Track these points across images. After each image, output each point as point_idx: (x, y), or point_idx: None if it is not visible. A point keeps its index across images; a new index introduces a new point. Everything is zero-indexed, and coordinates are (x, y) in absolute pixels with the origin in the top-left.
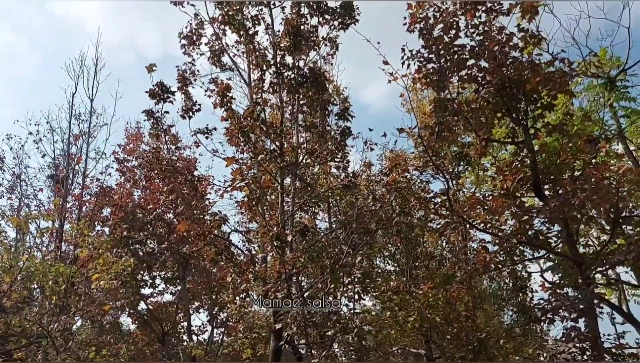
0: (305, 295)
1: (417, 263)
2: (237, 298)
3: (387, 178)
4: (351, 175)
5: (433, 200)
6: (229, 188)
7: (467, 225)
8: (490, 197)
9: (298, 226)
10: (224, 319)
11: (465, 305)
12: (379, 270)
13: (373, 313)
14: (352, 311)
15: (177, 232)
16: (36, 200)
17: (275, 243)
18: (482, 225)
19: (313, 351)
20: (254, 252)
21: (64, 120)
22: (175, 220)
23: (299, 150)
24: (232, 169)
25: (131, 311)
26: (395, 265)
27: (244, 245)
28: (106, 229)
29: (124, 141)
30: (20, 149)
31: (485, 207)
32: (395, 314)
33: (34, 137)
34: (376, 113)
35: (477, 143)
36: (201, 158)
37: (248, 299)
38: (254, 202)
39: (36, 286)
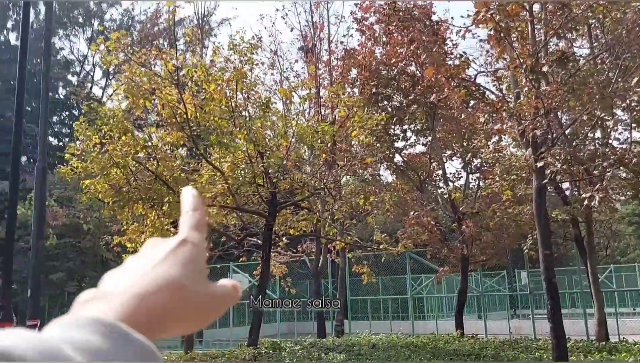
0: (567, 130)
1: None
2: (490, 142)
3: None
4: None
5: None
6: (470, 27)
7: None
8: None
9: (554, 55)
10: (478, 165)
11: None
12: None
13: None
14: (626, 141)
15: (421, 83)
16: (293, 71)
17: (529, 77)
18: None
19: (579, 190)
20: (505, 91)
21: None
22: (417, 72)
23: None
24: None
25: (388, 164)
26: None
27: (493, 86)
28: (355, 90)
29: None
30: (272, 26)
31: None
32: None
33: (281, 13)
34: None
35: None
36: (436, 1)
37: (502, 143)
38: (501, 35)
39: (306, 148)
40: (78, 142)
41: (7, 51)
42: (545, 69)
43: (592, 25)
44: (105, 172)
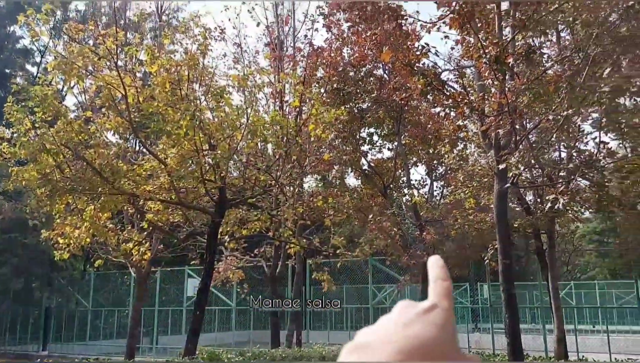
0: (531, 136)
1: None
2: (455, 149)
3: None
4: None
5: None
6: (436, 22)
7: None
8: None
9: (520, 48)
10: (442, 172)
11: None
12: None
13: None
14: (594, 141)
15: (388, 85)
16: (256, 64)
17: (493, 67)
18: None
19: (542, 201)
20: (468, 86)
21: None
22: (385, 75)
23: None
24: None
25: (354, 167)
26: None
27: (456, 83)
28: (322, 90)
29: None
30: (237, 18)
31: None
32: None
33: (247, 6)
34: None
35: None
36: (405, 5)
37: (467, 150)
38: (465, 19)
39: (261, 141)
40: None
41: None
42: (510, 61)
43: (562, 30)
44: (35, 159)
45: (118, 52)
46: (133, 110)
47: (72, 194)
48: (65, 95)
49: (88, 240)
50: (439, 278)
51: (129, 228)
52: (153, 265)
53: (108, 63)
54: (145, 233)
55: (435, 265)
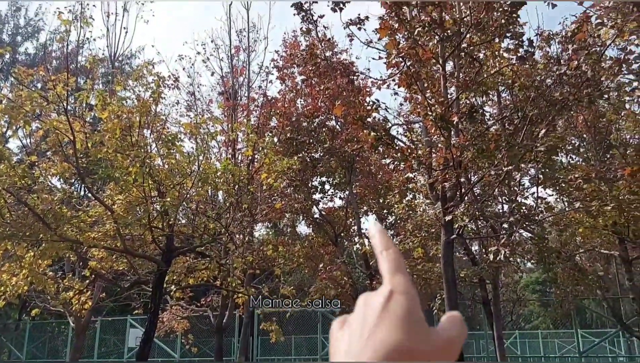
0: (476, 189)
1: (609, 154)
2: (404, 200)
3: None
4: (526, 43)
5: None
6: (386, 79)
7: None
8: None
9: (464, 107)
10: (392, 222)
11: None
12: (561, 162)
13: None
14: (533, 196)
15: (341, 137)
16: (209, 113)
17: (438, 125)
18: None
19: (487, 251)
20: (416, 140)
21: (226, 37)
22: (337, 126)
23: (462, 23)
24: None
25: (305, 216)
26: (580, 159)
27: (405, 137)
28: (275, 139)
29: (281, 48)
30: (191, 67)
31: None
32: (588, 205)
33: (202, 57)
34: None
35: None
36: (357, 61)
37: (416, 200)
38: (412, 79)
39: (212, 189)
40: None
41: None
42: (455, 119)
43: (502, 91)
44: None
45: (68, 96)
46: (81, 155)
47: (11, 240)
48: (9, 138)
49: (25, 288)
50: (383, 248)
51: (70, 275)
52: (93, 314)
53: (57, 107)
54: (87, 281)
55: (376, 233)
